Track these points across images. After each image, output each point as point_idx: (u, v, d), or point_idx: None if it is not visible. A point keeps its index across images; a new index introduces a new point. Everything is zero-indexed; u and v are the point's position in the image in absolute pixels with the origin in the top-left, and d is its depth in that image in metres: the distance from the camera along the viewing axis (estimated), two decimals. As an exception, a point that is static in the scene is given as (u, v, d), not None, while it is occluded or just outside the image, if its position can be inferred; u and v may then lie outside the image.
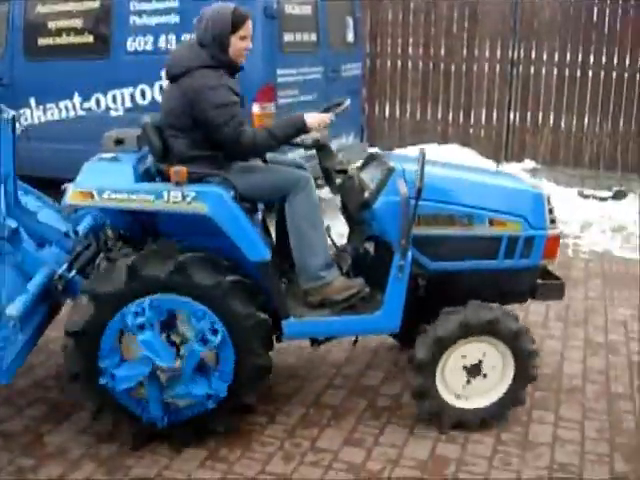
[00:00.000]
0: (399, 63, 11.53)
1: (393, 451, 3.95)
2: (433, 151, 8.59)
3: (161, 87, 7.71)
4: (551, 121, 10.92)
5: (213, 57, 4.01)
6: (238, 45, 4.06)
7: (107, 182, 3.85)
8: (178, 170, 3.78)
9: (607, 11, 10.49)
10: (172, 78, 4.10)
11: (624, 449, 4.02)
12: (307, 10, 8.16)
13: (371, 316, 4.04)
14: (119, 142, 4.37)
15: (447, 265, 4.10)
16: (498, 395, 4.12)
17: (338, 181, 4.30)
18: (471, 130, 11.30)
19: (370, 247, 4.31)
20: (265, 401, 4.38)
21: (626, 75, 10.59)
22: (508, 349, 4.04)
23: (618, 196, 8.98)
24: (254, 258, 3.88)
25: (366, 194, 4.09)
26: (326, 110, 4.34)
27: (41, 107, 8.51)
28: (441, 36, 11.28)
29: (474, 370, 4.08)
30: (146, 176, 4.14)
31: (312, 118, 4.05)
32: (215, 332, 3.77)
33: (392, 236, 3.97)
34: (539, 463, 3.89)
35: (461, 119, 11.31)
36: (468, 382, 4.09)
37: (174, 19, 7.62)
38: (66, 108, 8.33)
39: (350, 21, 9.10)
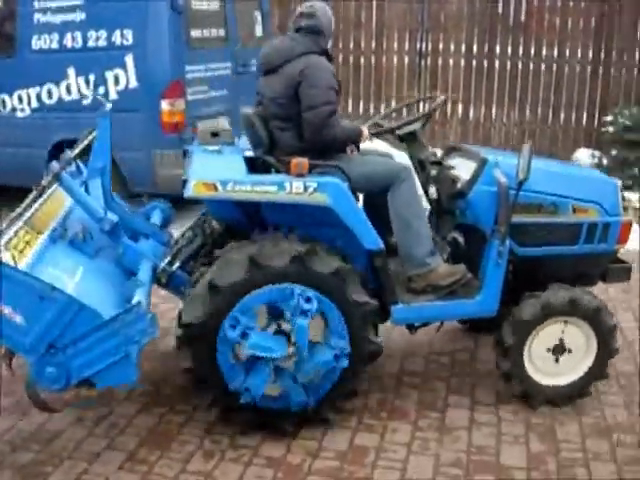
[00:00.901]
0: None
1: (312, 443, 3.97)
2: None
3: (68, 86, 7.59)
4: (460, 111, 11.11)
5: (317, 44, 4.23)
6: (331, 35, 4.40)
7: (226, 174, 3.88)
8: (300, 162, 3.85)
9: (512, 3, 10.72)
10: (272, 69, 4.22)
11: (539, 429, 4.12)
12: (215, 5, 8.12)
13: (472, 300, 4.19)
14: (215, 135, 4.44)
15: (533, 250, 4.26)
16: (583, 371, 4.31)
17: (433, 172, 4.43)
18: (382, 122, 11.38)
19: (458, 236, 4.43)
20: (183, 400, 4.36)
21: (531, 65, 10.85)
22: (589, 326, 4.23)
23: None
24: (371, 247, 3.98)
25: (459, 184, 4.22)
26: (417, 102, 4.57)
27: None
28: (350, 29, 11.35)
29: (559, 349, 4.27)
30: None
31: (364, 134, 4.31)
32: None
33: (486, 224, 4.17)
34: (457, 446, 3.96)
35: (371, 111, 11.39)
36: (554, 361, 4.28)
37: (80, 16, 7.49)
38: (-30, 110, 8.12)
39: (258, 16, 9.06)
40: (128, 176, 7.36)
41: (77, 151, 4.62)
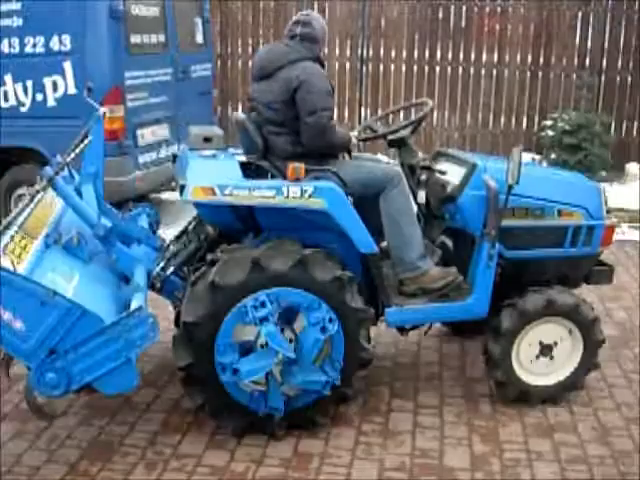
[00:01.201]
0: (250, 63, 11.49)
1: (257, 451, 3.94)
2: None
3: (5, 93, 7.46)
4: (401, 116, 11.15)
5: (311, 51, 4.29)
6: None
7: (224, 179, 3.91)
8: (298, 167, 3.91)
9: (452, 8, 10.82)
10: (266, 75, 4.25)
11: (482, 431, 4.16)
12: (155, 11, 8.04)
13: (463, 302, 4.25)
14: (207, 140, 4.44)
15: (519, 253, 4.33)
16: (562, 377, 4.40)
17: (422, 177, 4.46)
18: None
19: (447, 239, 4.49)
20: (123, 410, 4.32)
21: (472, 70, 10.97)
22: (581, 334, 4.33)
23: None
24: (366, 250, 4.03)
25: (449, 189, 4.25)
26: (406, 108, 4.59)
27: None
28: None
29: (547, 349, 4.35)
30: None
31: (353, 140, 4.45)
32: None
33: (475, 228, 4.24)
34: (401, 450, 3.97)
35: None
36: (538, 359, 4.36)
37: (17, 22, 7.36)
38: None
39: (199, 22, 9.03)
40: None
41: (71, 156, 4.54)
